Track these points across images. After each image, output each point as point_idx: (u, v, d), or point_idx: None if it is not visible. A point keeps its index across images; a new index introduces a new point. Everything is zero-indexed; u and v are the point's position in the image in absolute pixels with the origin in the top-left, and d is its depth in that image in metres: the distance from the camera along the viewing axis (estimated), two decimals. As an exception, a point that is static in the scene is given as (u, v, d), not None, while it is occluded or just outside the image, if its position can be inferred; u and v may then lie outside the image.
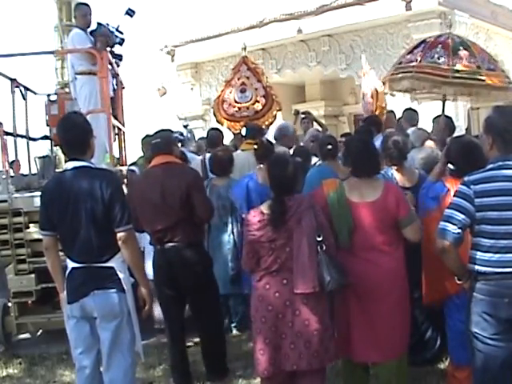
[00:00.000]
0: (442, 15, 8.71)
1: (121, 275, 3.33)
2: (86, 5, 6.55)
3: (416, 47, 5.44)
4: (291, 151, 5.74)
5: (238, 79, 6.95)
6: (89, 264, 3.28)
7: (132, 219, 3.73)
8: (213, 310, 4.37)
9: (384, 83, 5.81)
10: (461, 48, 5.28)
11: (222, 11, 11.26)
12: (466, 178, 2.86)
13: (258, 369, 3.38)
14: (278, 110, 6.91)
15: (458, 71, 5.09)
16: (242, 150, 5.92)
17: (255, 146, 5.33)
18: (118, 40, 6.68)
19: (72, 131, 3.35)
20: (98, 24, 6.51)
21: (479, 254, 2.79)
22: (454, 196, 2.87)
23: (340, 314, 3.50)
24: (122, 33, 6.71)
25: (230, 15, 10.81)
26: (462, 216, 2.78)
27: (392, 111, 7.18)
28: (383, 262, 3.44)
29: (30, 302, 5.50)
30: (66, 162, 3.48)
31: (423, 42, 5.51)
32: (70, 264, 3.34)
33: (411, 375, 3.84)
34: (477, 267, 2.79)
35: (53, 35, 9.57)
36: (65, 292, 3.38)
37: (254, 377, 4.24)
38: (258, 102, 6.79)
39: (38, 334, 5.79)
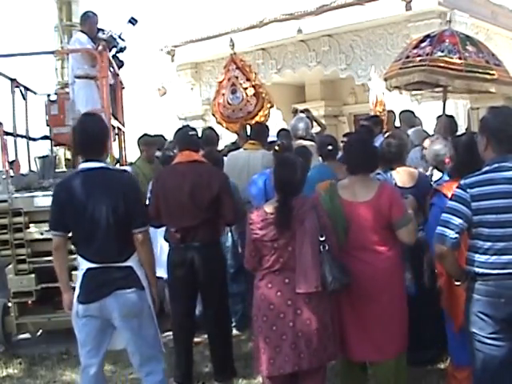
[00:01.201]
0: (442, 15, 8.70)
1: (138, 273, 3.34)
2: (96, 15, 6.62)
3: (422, 41, 5.47)
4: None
5: (229, 80, 6.91)
6: (107, 264, 3.27)
7: (151, 214, 3.91)
8: (225, 311, 4.40)
9: (386, 79, 5.82)
10: (468, 43, 5.36)
11: (222, 11, 11.26)
12: (462, 182, 2.84)
13: (258, 368, 3.38)
14: (269, 108, 6.87)
15: (470, 65, 5.16)
16: (245, 149, 5.93)
17: (276, 148, 5.30)
18: (120, 47, 6.76)
19: (90, 132, 3.32)
20: (99, 29, 6.56)
21: (476, 256, 2.79)
22: (451, 200, 2.86)
23: (335, 313, 3.50)
24: (124, 40, 6.77)
25: (229, 15, 10.80)
26: (460, 221, 2.76)
27: (391, 111, 7.20)
28: (377, 261, 3.44)
29: (30, 301, 5.50)
30: (82, 162, 3.43)
31: (427, 36, 5.54)
32: (85, 264, 3.31)
33: (411, 375, 3.84)
34: (474, 269, 2.79)
35: (53, 35, 9.58)
36: (74, 292, 3.35)
37: (254, 377, 4.24)
38: (248, 102, 6.76)
39: (38, 334, 5.79)
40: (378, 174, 4.18)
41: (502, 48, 10.37)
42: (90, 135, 3.32)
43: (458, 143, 3.78)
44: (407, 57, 5.48)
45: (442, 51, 5.23)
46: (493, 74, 5.26)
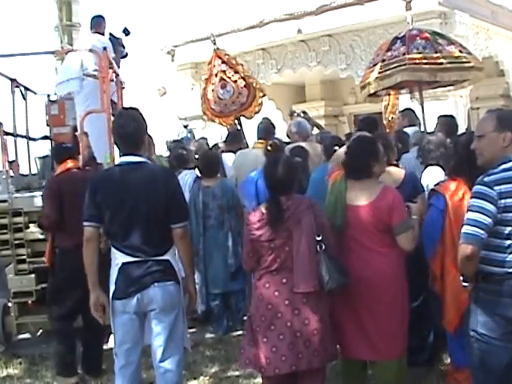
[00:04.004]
0: (442, 15, 8.70)
1: (175, 267, 3.33)
2: None
3: (393, 44, 5.56)
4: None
5: (216, 75, 6.93)
6: (146, 257, 3.24)
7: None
8: None
9: (364, 86, 5.85)
10: (437, 37, 5.51)
11: (221, 11, 11.26)
12: (486, 179, 2.71)
13: (244, 364, 3.40)
14: (262, 96, 6.89)
15: (447, 57, 5.28)
16: (253, 148, 5.96)
17: (268, 147, 5.32)
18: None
19: (129, 126, 3.28)
20: (114, 36, 6.88)
21: (492, 255, 2.70)
22: (475, 198, 2.71)
23: (334, 312, 3.51)
24: (124, 47, 7.11)
25: (229, 15, 10.80)
26: (489, 220, 2.64)
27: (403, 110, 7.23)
28: (376, 262, 3.42)
29: (30, 301, 5.50)
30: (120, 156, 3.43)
31: (396, 38, 5.66)
32: (121, 258, 3.26)
33: (411, 375, 3.84)
34: (489, 268, 2.71)
35: (53, 35, 9.56)
36: (110, 287, 3.29)
37: (254, 376, 4.24)
38: (240, 94, 6.78)
39: (38, 334, 5.78)
40: None
41: (502, 48, 10.37)
42: (130, 129, 3.28)
43: (457, 143, 3.76)
44: (383, 60, 5.53)
45: (417, 48, 5.35)
46: (469, 62, 5.41)
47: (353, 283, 3.34)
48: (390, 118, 7.37)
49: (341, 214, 3.43)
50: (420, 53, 5.32)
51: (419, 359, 4.16)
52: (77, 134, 5.79)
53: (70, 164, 4.72)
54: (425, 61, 5.28)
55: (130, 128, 3.29)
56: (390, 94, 6.80)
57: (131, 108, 3.53)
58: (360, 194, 3.46)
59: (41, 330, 5.76)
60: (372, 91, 5.79)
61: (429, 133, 5.48)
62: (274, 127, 6.35)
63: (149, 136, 6.10)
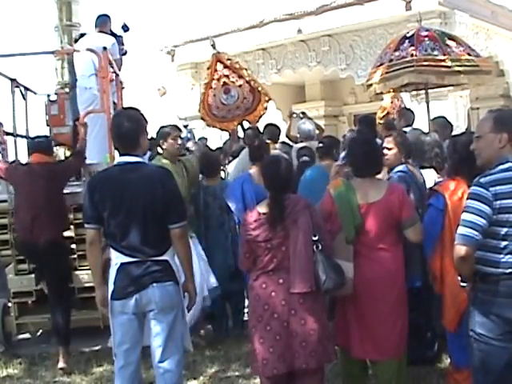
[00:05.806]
0: (442, 15, 8.71)
1: (174, 268, 3.32)
2: None
3: (401, 43, 5.53)
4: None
5: (218, 80, 6.85)
6: (145, 258, 3.24)
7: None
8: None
9: (370, 85, 5.84)
10: (446, 38, 5.46)
11: (221, 11, 11.26)
12: (481, 180, 2.71)
13: (256, 369, 3.39)
14: (267, 101, 6.86)
15: (455, 60, 5.24)
16: None
17: (254, 145, 5.33)
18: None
19: (126, 126, 3.29)
20: (115, 34, 6.88)
21: (489, 256, 2.70)
22: (471, 199, 2.71)
23: (339, 310, 3.53)
24: (123, 44, 7.10)
25: (229, 15, 10.81)
26: (483, 221, 2.65)
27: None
28: (384, 261, 3.45)
29: (29, 301, 5.50)
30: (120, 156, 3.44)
31: (404, 37, 5.61)
32: (120, 259, 3.25)
33: (411, 375, 3.85)
34: (485, 268, 2.71)
35: (53, 35, 9.55)
36: (109, 288, 3.29)
37: (254, 377, 4.24)
38: (245, 98, 6.73)
39: (38, 334, 5.78)
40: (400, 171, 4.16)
41: (502, 48, 10.37)
42: (125, 130, 3.29)
43: (456, 142, 3.76)
44: (390, 60, 5.52)
45: (426, 50, 5.33)
46: (477, 66, 5.38)
47: (359, 283, 3.36)
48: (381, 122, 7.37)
49: (357, 214, 3.44)
50: (428, 55, 5.30)
51: (426, 357, 4.17)
52: (76, 123, 5.89)
53: (34, 158, 5.08)
54: (433, 63, 5.26)
55: (126, 128, 3.29)
56: (392, 91, 6.77)
57: (130, 108, 3.53)
58: (370, 192, 3.49)
59: (41, 330, 5.76)
60: (378, 91, 5.78)
61: (424, 133, 5.48)
62: (279, 129, 6.39)
63: (178, 128, 6.08)
